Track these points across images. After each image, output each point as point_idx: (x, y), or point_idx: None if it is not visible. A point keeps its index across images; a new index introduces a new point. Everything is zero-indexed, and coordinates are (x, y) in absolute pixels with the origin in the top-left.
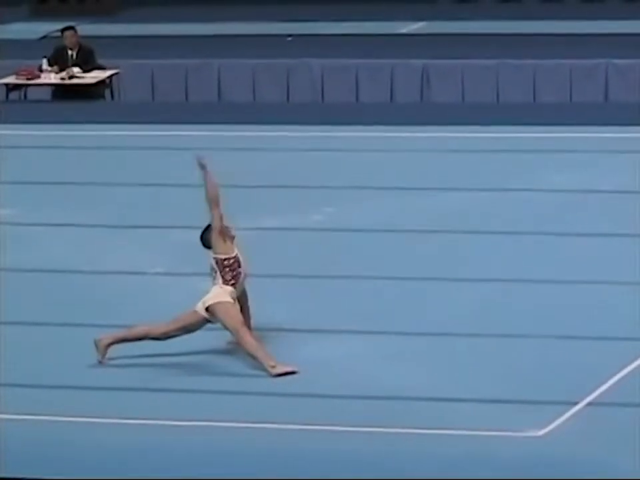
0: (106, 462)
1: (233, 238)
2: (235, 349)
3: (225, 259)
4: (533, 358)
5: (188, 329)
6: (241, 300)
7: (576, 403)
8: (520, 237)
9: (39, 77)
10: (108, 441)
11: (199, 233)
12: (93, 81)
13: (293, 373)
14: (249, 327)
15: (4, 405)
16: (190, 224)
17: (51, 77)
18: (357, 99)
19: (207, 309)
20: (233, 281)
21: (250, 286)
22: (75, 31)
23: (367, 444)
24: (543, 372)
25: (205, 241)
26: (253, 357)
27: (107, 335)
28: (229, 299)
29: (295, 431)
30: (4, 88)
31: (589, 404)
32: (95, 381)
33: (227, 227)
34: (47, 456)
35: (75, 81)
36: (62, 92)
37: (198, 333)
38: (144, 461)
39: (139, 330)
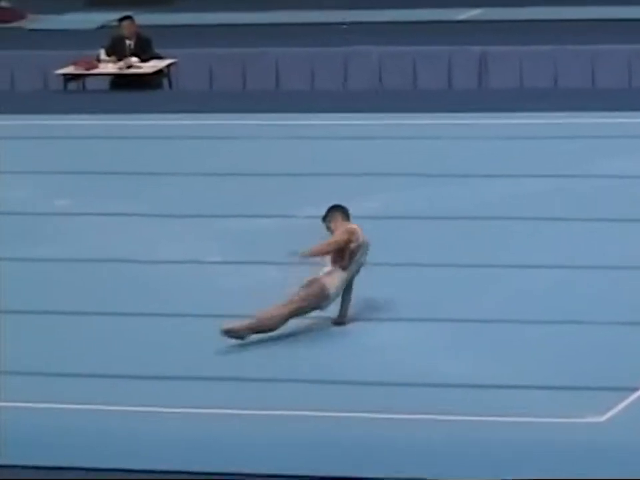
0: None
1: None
2: (287, 336)
3: None
4: (593, 344)
5: None
6: None
7: (637, 389)
8: (578, 224)
9: (97, 67)
10: (170, 430)
11: (255, 221)
12: (151, 70)
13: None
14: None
15: (65, 394)
16: (246, 212)
17: (109, 67)
18: (415, 86)
19: None
20: None
21: (303, 274)
22: (133, 21)
23: (426, 432)
24: (603, 357)
25: None
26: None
27: None
28: None
29: (351, 418)
30: (62, 78)
31: None
32: (154, 370)
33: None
34: (111, 445)
35: (132, 70)
36: (120, 82)
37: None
38: (206, 451)
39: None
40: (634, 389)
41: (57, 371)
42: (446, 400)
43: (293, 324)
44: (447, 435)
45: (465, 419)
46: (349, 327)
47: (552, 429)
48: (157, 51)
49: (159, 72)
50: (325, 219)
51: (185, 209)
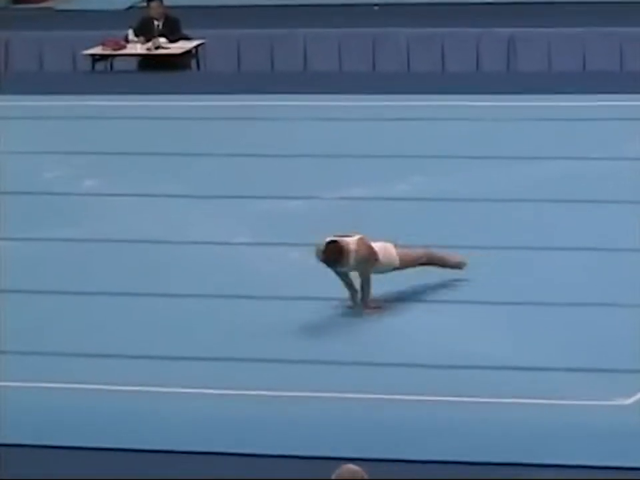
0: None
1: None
2: (320, 320)
3: None
4: (619, 326)
5: None
6: None
7: None
8: (609, 206)
9: (125, 47)
10: (193, 411)
11: (283, 202)
12: (179, 51)
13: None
14: None
15: (91, 374)
16: (274, 194)
17: (137, 48)
18: (443, 68)
19: None
20: None
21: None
22: (161, 1)
23: (455, 413)
24: (629, 340)
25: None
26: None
27: None
28: None
29: (381, 400)
30: (90, 59)
31: None
32: (181, 350)
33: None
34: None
35: (160, 51)
36: (148, 62)
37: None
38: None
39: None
40: None
41: (85, 351)
42: (474, 382)
43: (330, 308)
44: (471, 416)
45: (489, 401)
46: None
47: (578, 412)
48: (185, 31)
49: (187, 53)
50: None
51: (212, 190)
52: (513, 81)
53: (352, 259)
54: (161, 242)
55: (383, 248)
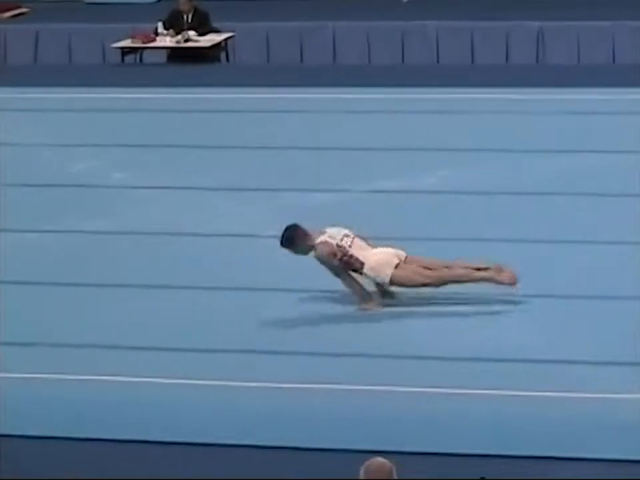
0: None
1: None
2: (339, 313)
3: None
4: None
5: None
6: None
7: None
8: (631, 200)
9: (154, 40)
10: (214, 403)
11: (312, 195)
12: (209, 44)
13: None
14: None
15: (121, 367)
16: (303, 187)
17: (167, 41)
18: (472, 60)
19: None
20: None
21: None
22: None
23: (482, 405)
24: None
25: None
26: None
27: None
28: None
29: (413, 393)
30: (120, 52)
31: None
32: (206, 343)
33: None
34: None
35: (190, 44)
36: (177, 55)
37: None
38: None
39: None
40: None
41: (110, 343)
42: (501, 375)
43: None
44: (498, 409)
45: (516, 394)
46: (409, 303)
47: (603, 405)
48: (215, 24)
49: (217, 45)
50: (296, 251)
51: (241, 183)
52: (542, 74)
53: (317, 254)
54: (189, 234)
55: (376, 259)
